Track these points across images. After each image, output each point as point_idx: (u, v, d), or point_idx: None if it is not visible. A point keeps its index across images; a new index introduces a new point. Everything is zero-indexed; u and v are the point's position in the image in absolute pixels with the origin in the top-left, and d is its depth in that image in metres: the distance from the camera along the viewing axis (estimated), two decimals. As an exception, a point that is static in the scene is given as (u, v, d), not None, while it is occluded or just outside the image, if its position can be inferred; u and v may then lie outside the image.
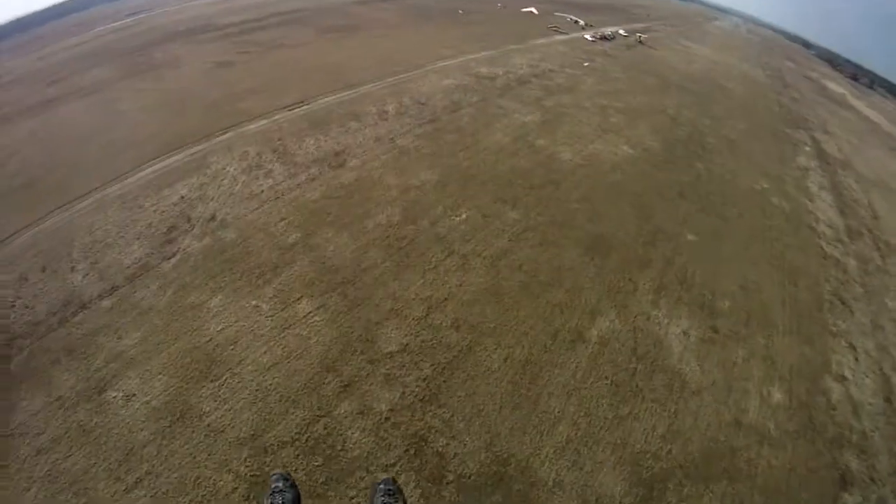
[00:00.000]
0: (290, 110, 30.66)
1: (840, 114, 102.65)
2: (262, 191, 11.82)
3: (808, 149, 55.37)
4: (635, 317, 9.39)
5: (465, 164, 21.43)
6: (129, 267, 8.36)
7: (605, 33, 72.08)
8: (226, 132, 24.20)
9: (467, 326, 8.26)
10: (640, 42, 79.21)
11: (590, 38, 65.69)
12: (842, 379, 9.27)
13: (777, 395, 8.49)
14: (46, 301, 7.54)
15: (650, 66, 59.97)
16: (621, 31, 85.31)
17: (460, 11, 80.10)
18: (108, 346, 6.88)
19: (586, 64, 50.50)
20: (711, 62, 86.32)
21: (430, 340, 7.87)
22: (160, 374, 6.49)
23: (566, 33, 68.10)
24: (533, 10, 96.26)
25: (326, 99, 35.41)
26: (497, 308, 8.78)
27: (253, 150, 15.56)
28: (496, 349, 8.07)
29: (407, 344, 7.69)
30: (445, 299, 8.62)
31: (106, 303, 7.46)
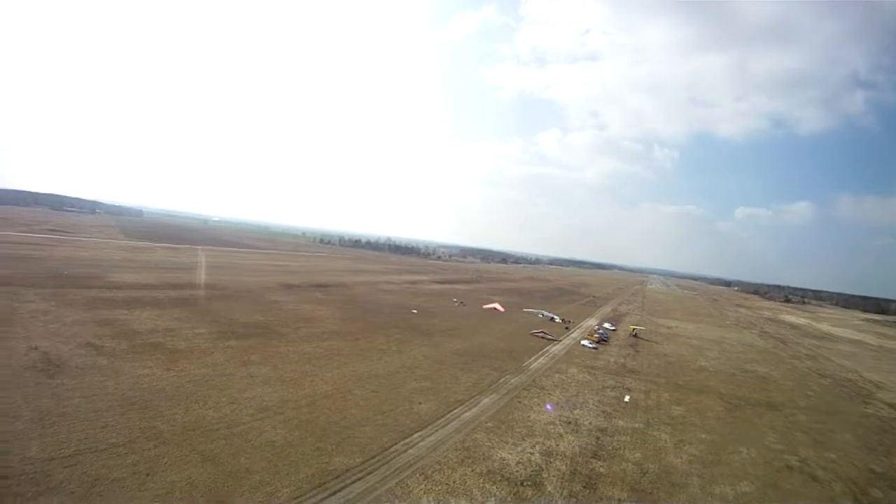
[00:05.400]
0: None
1: (841, 349, 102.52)
2: None
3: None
4: None
5: None
6: None
7: (598, 333, 63.82)
8: None
9: None
10: (636, 336, 71.16)
11: (589, 345, 55.89)
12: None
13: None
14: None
15: (683, 378, 49.54)
16: (607, 325, 78.49)
17: (414, 311, 70.06)
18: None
19: (626, 399, 37.26)
20: (713, 343, 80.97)
21: None
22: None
23: (555, 339, 58.07)
24: (497, 306, 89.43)
25: None
26: None
27: None
28: None
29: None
30: None
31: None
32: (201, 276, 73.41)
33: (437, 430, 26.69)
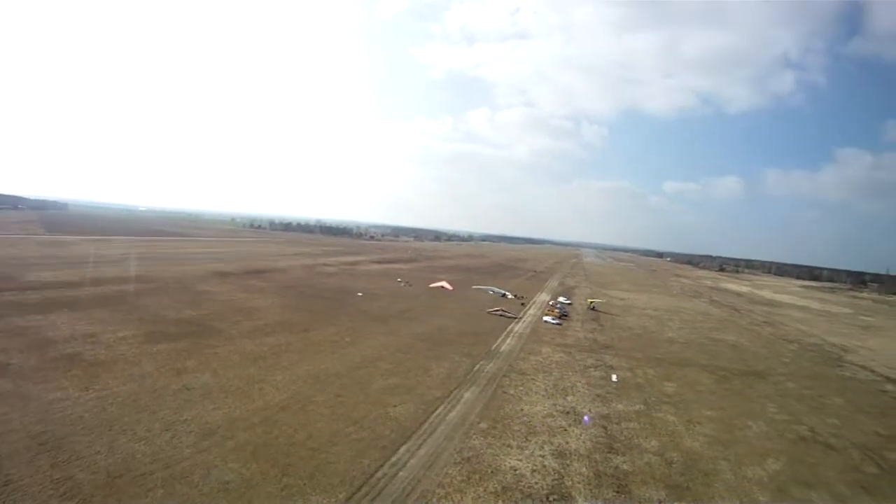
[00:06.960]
0: None
1: (792, 315, 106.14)
2: None
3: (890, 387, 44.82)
4: None
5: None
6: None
7: (557, 308, 62.75)
8: None
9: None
10: (594, 309, 71.42)
11: (552, 321, 54.33)
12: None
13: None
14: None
15: (658, 351, 51.43)
16: (562, 300, 78.46)
17: (360, 294, 64.90)
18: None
19: (614, 378, 37.57)
20: (670, 313, 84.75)
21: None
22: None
23: (515, 316, 55.97)
24: (445, 285, 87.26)
25: None
26: None
27: None
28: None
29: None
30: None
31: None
32: (127, 269, 63.76)
33: (424, 440, 22.38)
